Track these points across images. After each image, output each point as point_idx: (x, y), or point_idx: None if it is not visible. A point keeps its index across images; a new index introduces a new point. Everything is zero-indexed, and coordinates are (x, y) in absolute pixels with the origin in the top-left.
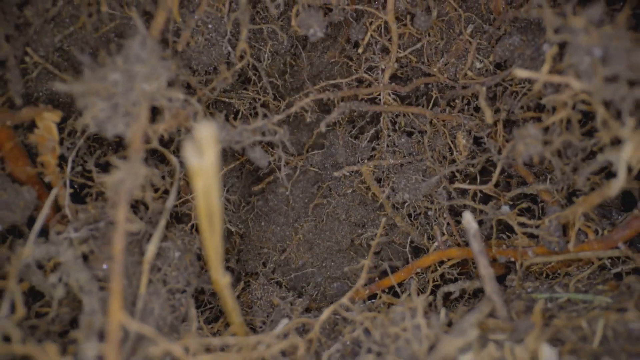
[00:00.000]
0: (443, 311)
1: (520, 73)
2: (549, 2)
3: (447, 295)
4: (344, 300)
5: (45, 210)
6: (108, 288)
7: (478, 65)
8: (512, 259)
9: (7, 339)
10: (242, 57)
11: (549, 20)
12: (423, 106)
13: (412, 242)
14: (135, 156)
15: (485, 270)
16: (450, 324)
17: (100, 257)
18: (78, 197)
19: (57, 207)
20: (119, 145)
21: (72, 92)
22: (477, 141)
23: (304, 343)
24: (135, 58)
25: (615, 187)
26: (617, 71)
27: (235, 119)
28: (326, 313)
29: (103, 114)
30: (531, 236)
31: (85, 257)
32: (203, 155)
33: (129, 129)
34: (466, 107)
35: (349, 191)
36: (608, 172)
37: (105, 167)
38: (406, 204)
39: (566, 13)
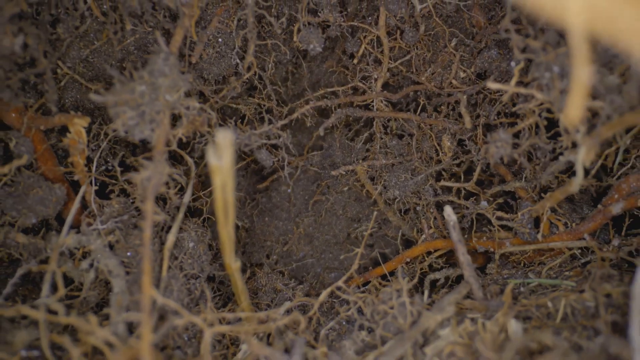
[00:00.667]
0: (426, 292)
1: (492, 85)
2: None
3: (433, 282)
4: (340, 283)
5: (76, 204)
6: (133, 272)
7: (462, 74)
8: (491, 249)
9: (52, 312)
10: (249, 68)
11: (515, 42)
12: (412, 112)
13: (403, 235)
14: (160, 157)
15: (463, 257)
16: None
17: (125, 245)
18: (99, 194)
19: (83, 203)
20: (135, 146)
21: (106, 102)
22: (460, 143)
23: (304, 319)
24: (159, 72)
25: (575, 184)
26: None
27: (242, 123)
28: (324, 294)
29: (132, 121)
30: (508, 229)
31: (111, 246)
32: (221, 157)
33: (153, 133)
34: (451, 112)
35: (345, 189)
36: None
37: (126, 167)
38: (397, 200)
39: (530, 35)
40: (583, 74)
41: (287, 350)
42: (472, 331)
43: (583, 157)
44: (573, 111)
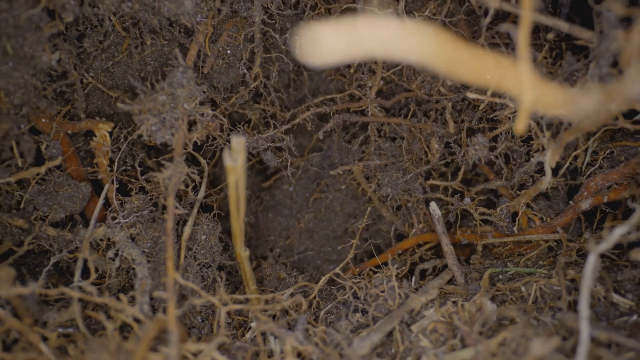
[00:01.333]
0: (414, 279)
1: (471, 95)
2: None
3: (423, 271)
4: (337, 270)
5: (101, 201)
6: (153, 261)
7: (448, 83)
8: (474, 242)
9: (85, 293)
10: (255, 78)
11: None
12: (403, 117)
13: (395, 229)
14: (179, 158)
15: (447, 247)
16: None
17: (145, 237)
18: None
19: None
20: (149, 148)
21: (132, 111)
22: (447, 146)
23: (306, 302)
24: (178, 84)
25: (545, 182)
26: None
27: (248, 127)
28: (323, 279)
29: (154, 127)
30: (490, 223)
31: (132, 238)
32: (236, 159)
33: (173, 138)
34: (439, 117)
35: (343, 187)
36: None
37: (145, 168)
38: (389, 197)
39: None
40: (526, 97)
41: (290, 328)
42: (453, 311)
43: (549, 158)
44: (520, 125)
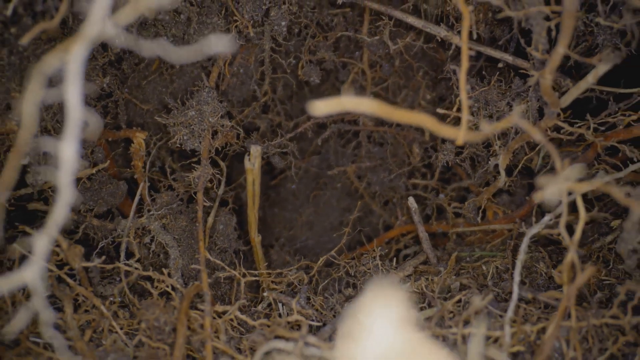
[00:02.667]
0: (395, 260)
1: (440, 111)
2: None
3: (405, 256)
4: (333, 252)
5: (138, 196)
6: (181, 245)
7: (427, 97)
8: (448, 231)
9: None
10: (265, 93)
11: (453, 81)
12: (389, 125)
13: (383, 221)
14: (205, 162)
15: (422, 234)
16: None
17: (175, 226)
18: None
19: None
20: (172, 152)
21: (167, 123)
22: (426, 150)
23: (307, 277)
24: (204, 102)
25: (500, 182)
26: (491, 112)
27: (257, 134)
28: (322, 259)
29: (185, 136)
30: (461, 215)
31: (164, 227)
32: (253, 162)
33: (200, 145)
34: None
35: (338, 185)
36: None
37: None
38: (377, 194)
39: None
40: (464, 118)
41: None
42: (425, 284)
43: (501, 162)
44: (460, 137)
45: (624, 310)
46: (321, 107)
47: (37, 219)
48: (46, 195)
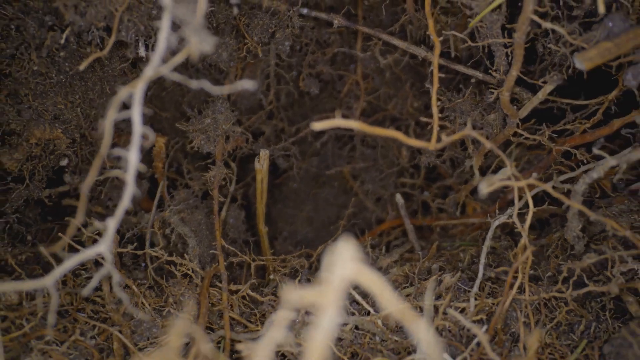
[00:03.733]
0: (384, 248)
1: (423, 119)
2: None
3: (394, 246)
4: (330, 242)
5: (159, 193)
6: (198, 236)
7: (415, 104)
8: (433, 224)
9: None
10: (270, 103)
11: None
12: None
13: (376, 216)
14: (220, 163)
15: (408, 225)
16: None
17: (191, 219)
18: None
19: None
20: (187, 154)
21: (187, 130)
22: (413, 153)
23: (307, 263)
24: (218, 111)
25: (475, 180)
26: (465, 121)
27: (262, 137)
28: (320, 248)
29: (202, 141)
30: (443, 210)
31: (182, 220)
32: (262, 164)
33: (215, 148)
34: (408, 131)
35: (335, 183)
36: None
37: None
38: (370, 191)
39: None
40: (435, 129)
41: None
42: (408, 269)
43: (475, 163)
44: (433, 143)
45: (567, 285)
46: (319, 126)
47: (67, 214)
48: (78, 192)
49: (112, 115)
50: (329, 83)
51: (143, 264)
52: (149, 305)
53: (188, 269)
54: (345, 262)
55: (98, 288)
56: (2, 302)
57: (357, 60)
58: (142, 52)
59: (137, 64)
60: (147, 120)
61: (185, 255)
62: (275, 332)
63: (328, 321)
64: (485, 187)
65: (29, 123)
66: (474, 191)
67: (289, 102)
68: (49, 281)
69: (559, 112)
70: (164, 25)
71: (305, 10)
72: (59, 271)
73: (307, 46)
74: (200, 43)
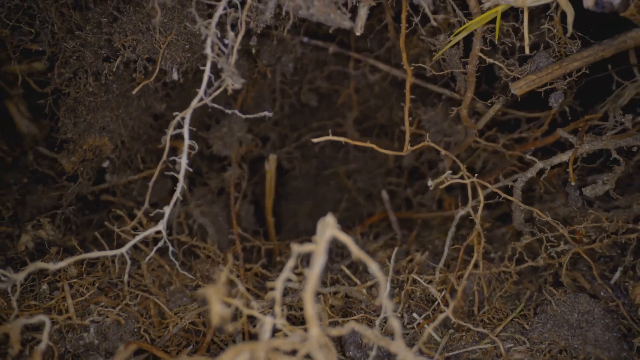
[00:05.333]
0: (371, 236)
1: (402, 128)
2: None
3: (381, 234)
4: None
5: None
6: (216, 226)
7: (400, 114)
8: (413, 216)
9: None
10: (275, 113)
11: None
12: (373, 136)
13: (367, 210)
14: (235, 165)
15: (392, 217)
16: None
17: (208, 212)
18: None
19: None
20: (203, 157)
21: (207, 137)
22: (399, 156)
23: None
24: (233, 121)
25: (448, 181)
26: (438, 129)
27: (269, 142)
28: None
29: (220, 146)
30: (424, 205)
31: (202, 213)
32: (271, 166)
33: (231, 152)
34: (395, 136)
35: (332, 182)
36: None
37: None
38: (361, 189)
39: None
40: (407, 138)
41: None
42: (389, 254)
43: (446, 165)
44: (405, 151)
45: (511, 262)
46: (316, 140)
47: (104, 207)
48: (115, 190)
49: (170, 131)
50: (326, 96)
51: (171, 249)
52: (179, 280)
53: (210, 252)
54: (327, 227)
55: (138, 267)
56: (68, 275)
57: (350, 77)
58: (175, 76)
59: (167, 84)
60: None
61: (207, 240)
62: (286, 273)
63: (318, 263)
64: (433, 184)
65: (83, 133)
66: (449, 188)
67: (291, 112)
68: (124, 249)
69: (515, 122)
70: (207, 68)
71: (305, 39)
72: (132, 242)
73: (307, 66)
74: (234, 82)
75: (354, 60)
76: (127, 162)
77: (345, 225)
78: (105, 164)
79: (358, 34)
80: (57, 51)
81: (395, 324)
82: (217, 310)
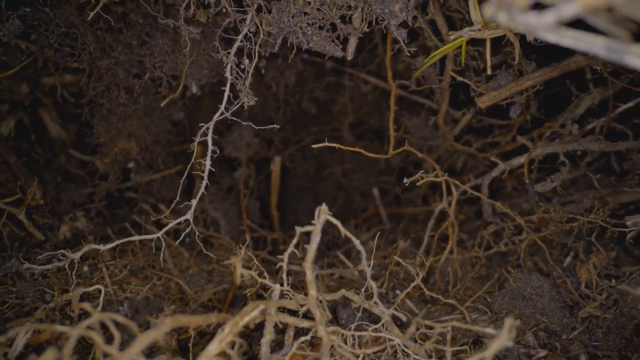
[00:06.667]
0: (364, 228)
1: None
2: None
3: (372, 227)
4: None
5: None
6: (227, 219)
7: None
8: (402, 211)
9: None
10: (280, 120)
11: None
12: (367, 139)
13: (361, 206)
14: (245, 165)
15: (382, 211)
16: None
17: (220, 207)
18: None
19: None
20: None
21: (222, 142)
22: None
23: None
24: (243, 127)
25: (422, 179)
26: (421, 135)
27: (273, 144)
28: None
29: (232, 149)
30: (411, 201)
31: (214, 208)
32: (276, 166)
33: (241, 154)
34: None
35: (330, 181)
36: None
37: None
38: (356, 187)
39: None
40: (391, 143)
41: None
42: (379, 243)
43: (429, 164)
44: (389, 155)
45: (480, 248)
46: (315, 146)
47: (125, 204)
48: (138, 187)
49: (197, 139)
50: (324, 104)
51: (187, 240)
52: (196, 265)
53: (223, 241)
54: (322, 213)
55: (163, 253)
56: (104, 259)
57: (345, 88)
58: (194, 90)
59: (185, 95)
60: (190, 133)
61: (220, 231)
62: (291, 247)
63: (316, 239)
64: (408, 182)
65: (114, 138)
66: (434, 186)
67: (293, 118)
68: (160, 233)
69: (489, 128)
70: (227, 88)
71: (306, 56)
72: (167, 227)
73: (307, 78)
74: (248, 100)
75: (348, 73)
76: (150, 163)
77: (341, 219)
78: (131, 164)
79: (349, 58)
80: (92, 68)
81: (372, 284)
82: (240, 271)
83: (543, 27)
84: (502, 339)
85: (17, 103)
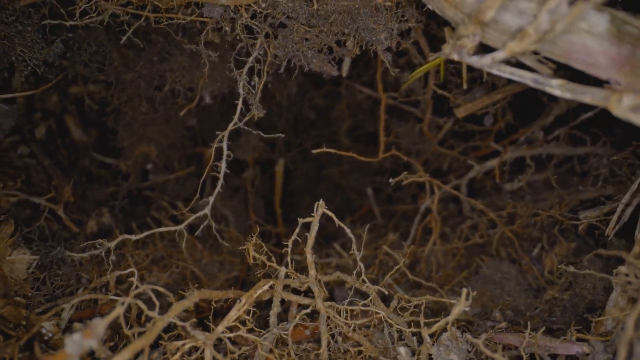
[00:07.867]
0: (359, 224)
1: (381, 137)
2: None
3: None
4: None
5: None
6: (235, 214)
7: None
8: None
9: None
10: (281, 125)
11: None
12: (362, 143)
13: (358, 204)
14: (251, 167)
15: (375, 208)
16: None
17: (230, 204)
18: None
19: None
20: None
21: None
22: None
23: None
24: (252, 135)
25: (419, 177)
26: (411, 139)
27: (276, 147)
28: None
29: (240, 152)
30: (402, 199)
31: (224, 205)
32: (280, 167)
33: (248, 157)
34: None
35: (328, 181)
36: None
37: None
38: (352, 186)
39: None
40: (381, 146)
41: None
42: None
43: (416, 166)
44: (379, 158)
45: (460, 240)
46: (315, 152)
47: (142, 202)
48: (154, 187)
49: (215, 144)
50: (322, 111)
51: (200, 233)
52: (209, 255)
53: (232, 235)
54: (320, 207)
55: (177, 244)
56: (128, 249)
57: (342, 96)
58: (208, 100)
59: (199, 104)
60: (202, 137)
61: (229, 226)
62: (294, 235)
63: (315, 228)
64: (394, 181)
65: (136, 142)
66: (422, 185)
67: (294, 124)
68: (182, 226)
69: (471, 133)
70: (240, 102)
71: (305, 69)
72: (188, 221)
73: (308, 88)
74: (258, 112)
75: (344, 84)
76: (166, 164)
77: (339, 215)
78: (149, 166)
79: (344, 75)
80: (117, 81)
81: (360, 265)
82: (252, 254)
83: (484, 65)
84: (461, 305)
85: (49, 111)
